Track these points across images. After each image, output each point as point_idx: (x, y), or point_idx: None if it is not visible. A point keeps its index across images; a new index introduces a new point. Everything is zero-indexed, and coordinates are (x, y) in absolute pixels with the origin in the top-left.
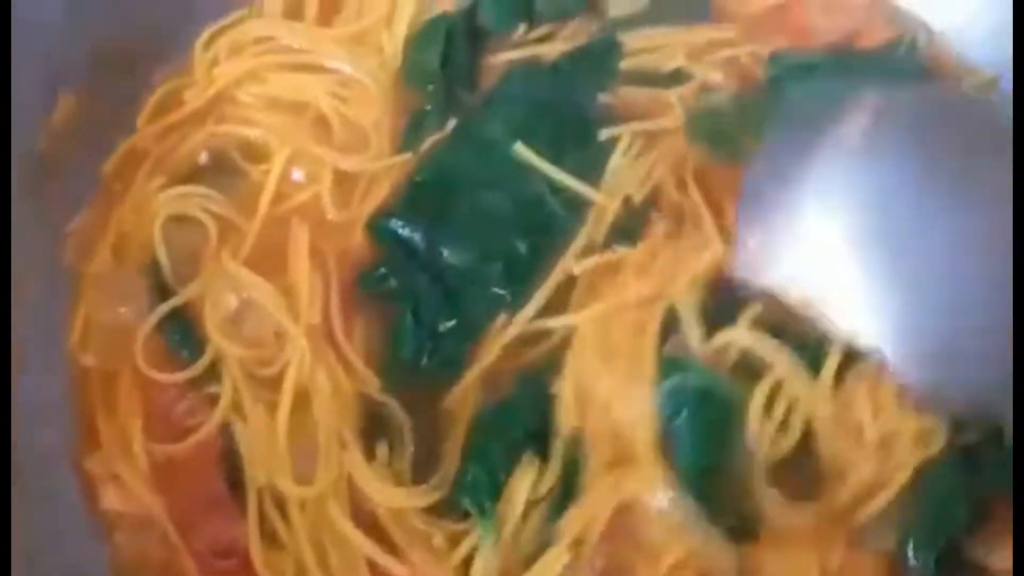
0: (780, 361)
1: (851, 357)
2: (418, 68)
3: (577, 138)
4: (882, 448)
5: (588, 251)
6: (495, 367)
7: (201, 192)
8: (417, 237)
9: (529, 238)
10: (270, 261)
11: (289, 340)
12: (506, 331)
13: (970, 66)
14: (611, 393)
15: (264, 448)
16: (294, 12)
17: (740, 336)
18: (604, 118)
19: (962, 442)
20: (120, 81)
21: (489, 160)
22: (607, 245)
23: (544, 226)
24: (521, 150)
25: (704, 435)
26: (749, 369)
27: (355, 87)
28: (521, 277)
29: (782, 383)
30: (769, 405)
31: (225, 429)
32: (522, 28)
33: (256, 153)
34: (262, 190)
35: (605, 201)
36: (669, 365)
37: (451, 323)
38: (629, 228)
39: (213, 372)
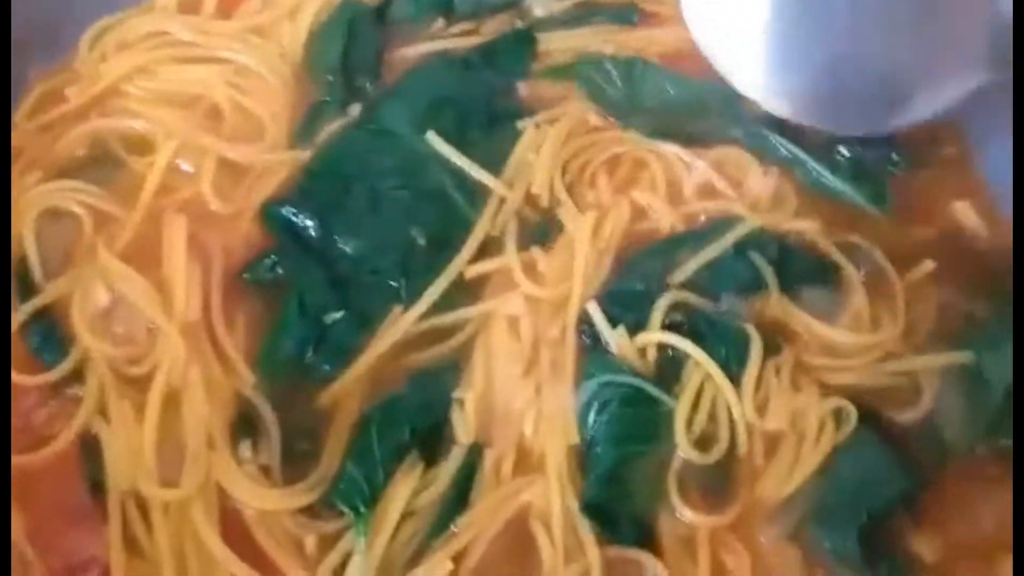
0: (702, 360)
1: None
2: (319, 59)
3: (482, 130)
4: (794, 434)
5: (490, 246)
6: (386, 364)
7: (76, 186)
8: (311, 225)
9: (428, 230)
10: (150, 255)
11: (161, 336)
12: (397, 325)
13: None
14: (523, 399)
15: (129, 451)
16: (190, 7)
17: (661, 337)
18: (512, 111)
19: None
20: None
21: (389, 150)
22: (520, 244)
23: (445, 218)
24: (432, 139)
25: (626, 436)
26: (669, 367)
27: (253, 78)
28: (418, 271)
29: (704, 385)
30: (694, 407)
31: (88, 435)
32: (440, 22)
33: (141, 146)
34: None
35: (506, 193)
36: (592, 366)
37: (339, 314)
38: (536, 227)
39: (78, 375)
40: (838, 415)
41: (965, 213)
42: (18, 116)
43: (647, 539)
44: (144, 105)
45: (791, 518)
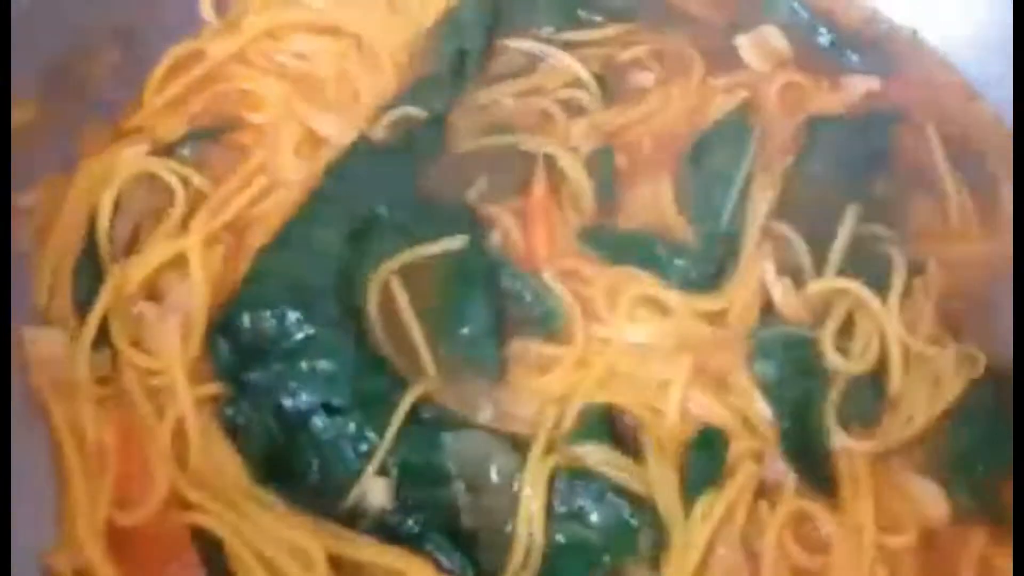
0: (847, 286)
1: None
2: (439, 41)
3: None
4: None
5: None
6: None
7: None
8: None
9: None
10: None
11: None
12: None
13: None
14: None
15: None
16: None
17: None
18: None
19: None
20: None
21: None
22: None
23: None
24: None
25: (793, 376)
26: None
27: (367, 53)
28: None
29: (853, 310)
30: (845, 331)
31: None
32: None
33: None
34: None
35: None
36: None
37: None
38: None
39: None
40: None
41: None
42: (148, 91)
43: (829, 482)
44: (262, 75)
45: (926, 453)
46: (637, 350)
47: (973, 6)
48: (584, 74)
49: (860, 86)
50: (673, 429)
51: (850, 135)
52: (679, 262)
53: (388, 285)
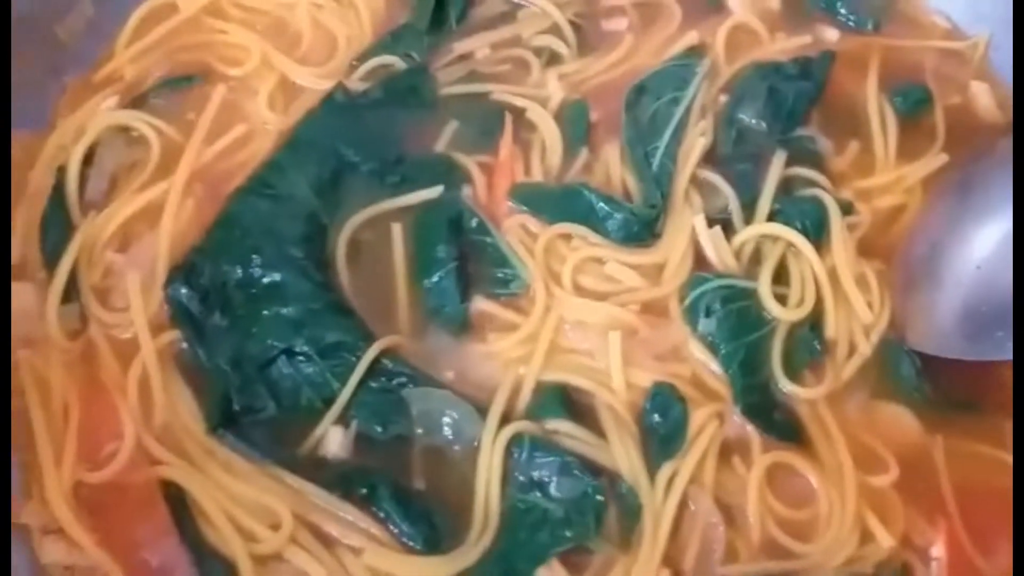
0: (783, 232)
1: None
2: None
3: None
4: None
5: None
6: None
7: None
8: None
9: None
10: None
11: None
12: None
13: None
14: None
15: None
16: None
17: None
18: None
19: None
20: None
21: None
22: None
23: None
24: None
25: (737, 329)
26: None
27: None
28: None
29: (787, 256)
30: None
31: None
32: None
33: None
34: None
35: None
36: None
37: None
38: None
39: None
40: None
41: None
42: (116, 46)
43: (794, 431)
44: (235, 26)
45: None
46: (578, 326)
47: None
48: (562, 20)
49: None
50: (626, 402)
51: (785, 80)
52: (618, 215)
53: (358, 234)
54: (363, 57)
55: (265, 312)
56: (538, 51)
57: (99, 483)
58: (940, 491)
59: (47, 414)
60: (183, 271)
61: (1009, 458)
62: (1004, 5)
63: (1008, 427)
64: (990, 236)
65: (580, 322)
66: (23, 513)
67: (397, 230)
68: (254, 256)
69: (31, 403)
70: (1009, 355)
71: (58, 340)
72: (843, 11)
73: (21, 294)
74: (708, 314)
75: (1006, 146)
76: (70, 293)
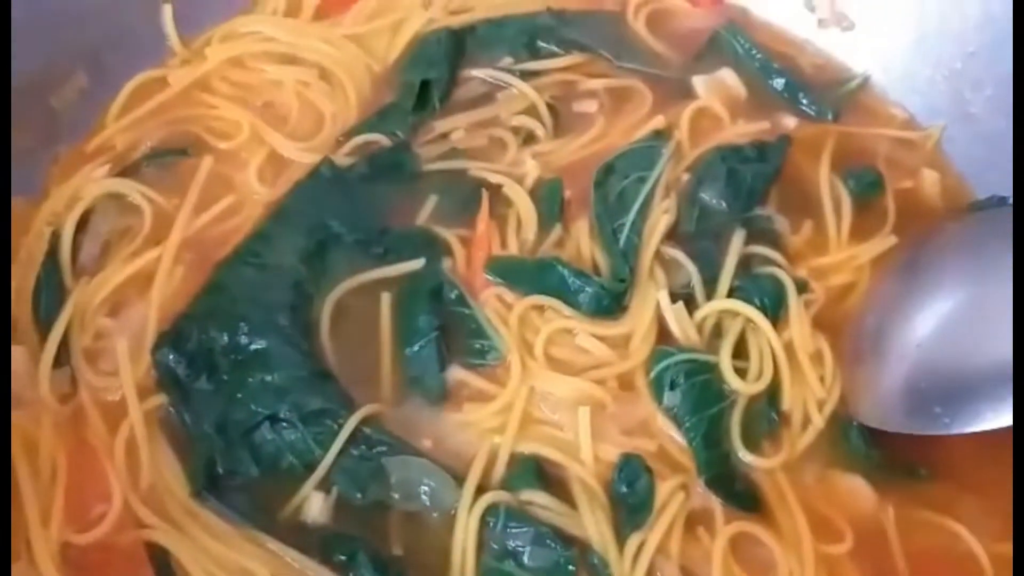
0: (742, 309)
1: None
2: (404, 73)
3: None
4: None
5: None
6: None
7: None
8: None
9: None
10: None
11: None
12: None
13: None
14: None
15: None
16: (294, 10)
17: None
18: None
19: None
20: None
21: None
22: None
23: None
24: None
25: (700, 402)
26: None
27: (332, 81)
28: None
29: (746, 332)
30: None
31: None
32: (508, 60)
33: (219, 135)
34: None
35: None
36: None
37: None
38: None
39: None
40: None
41: None
42: (111, 115)
43: (755, 501)
44: (225, 100)
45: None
46: (550, 398)
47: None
48: (539, 102)
49: (779, 123)
50: (595, 474)
51: (744, 162)
52: (589, 289)
53: (342, 303)
54: (350, 133)
55: (250, 379)
56: (516, 130)
57: (86, 544)
58: (893, 559)
59: (35, 475)
60: (171, 337)
61: (957, 526)
62: (959, 103)
63: (956, 496)
64: (930, 316)
65: (551, 394)
66: (11, 574)
67: (386, 299)
68: (241, 323)
69: (19, 464)
70: (946, 431)
71: (49, 403)
72: (804, 101)
73: (13, 356)
74: (672, 387)
75: (951, 230)
76: (61, 357)
